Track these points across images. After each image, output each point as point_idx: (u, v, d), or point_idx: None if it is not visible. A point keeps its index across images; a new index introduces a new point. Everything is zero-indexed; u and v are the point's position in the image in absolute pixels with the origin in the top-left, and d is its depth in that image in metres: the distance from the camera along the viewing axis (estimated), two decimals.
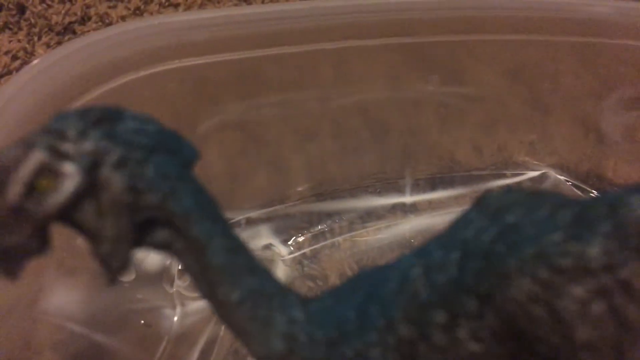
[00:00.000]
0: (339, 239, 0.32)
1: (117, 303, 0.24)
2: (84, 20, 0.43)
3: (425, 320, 0.14)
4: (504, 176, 0.34)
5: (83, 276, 0.23)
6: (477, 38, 0.34)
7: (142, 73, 0.24)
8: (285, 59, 0.32)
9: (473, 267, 0.14)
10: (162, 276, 0.27)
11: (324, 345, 0.15)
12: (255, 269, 0.15)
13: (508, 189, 0.15)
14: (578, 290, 0.12)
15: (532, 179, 0.34)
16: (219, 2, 0.46)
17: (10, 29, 0.42)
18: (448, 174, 0.35)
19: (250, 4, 0.47)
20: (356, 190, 0.34)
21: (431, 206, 0.33)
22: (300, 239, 0.31)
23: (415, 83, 0.36)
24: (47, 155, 0.13)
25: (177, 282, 0.27)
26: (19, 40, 0.41)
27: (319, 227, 0.32)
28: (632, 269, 0.12)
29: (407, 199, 0.33)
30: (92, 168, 0.13)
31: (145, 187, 0.14)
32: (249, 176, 0.35)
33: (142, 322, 0.25)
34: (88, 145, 0.13)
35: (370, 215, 0.33)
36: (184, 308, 0.26)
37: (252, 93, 0.33)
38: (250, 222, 0.31)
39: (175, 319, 0.25)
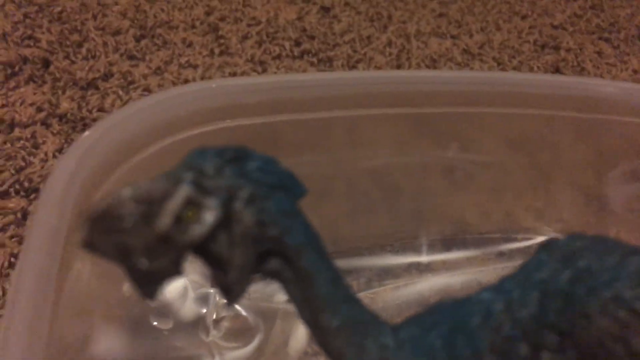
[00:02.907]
0: (360, 295, 0.32)
1: (158, 351, 0.24)
2: (107, 76, 0.45)
3: (510, 351, 0.16)
4: (515, 240, 0.36)
5: (127, 324, 0.23)
6: (481, 110, 0.36)
7: (195, 131, 0.26)
8: (301, 124, 0.33)
9: (554, 306, 0.16)
10: (198, 325, 0.27)
11: None
12: (352, 299, 0.17)
13: (573, 235, 0.17)
14: None
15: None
16: (235, 66, 0.48)
17: (35, 81, 0.43)
18: (460, 236, 0.36)
19: (264, 68, 0.49)
20: (373, 248, 0.35)
21: (445, 266, 0.35)
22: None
23: (423, 149, 0.38)
24: (193, 190, 0.14)
25: (213, 331, 0.27)
26: (43, 93, 0.42)
27: None
28: None
29: (424, 258, 0.35)
30: (227, 202, 0.15)
31: (268, 221, 0.15)
32: None
33: None
34: (224, 181, 0.15)
35: (387, 274, 0.34)
36: (222, 357, 0.26)
37: (270, 154, 0.35)
38: None
39: None
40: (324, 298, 0.16)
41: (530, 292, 0.16)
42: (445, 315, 0.18)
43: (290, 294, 0.17)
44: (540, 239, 0.36)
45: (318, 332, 0.17)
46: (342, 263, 0.34)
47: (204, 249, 0.15)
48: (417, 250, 0.35)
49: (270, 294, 0.30)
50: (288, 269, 0.16)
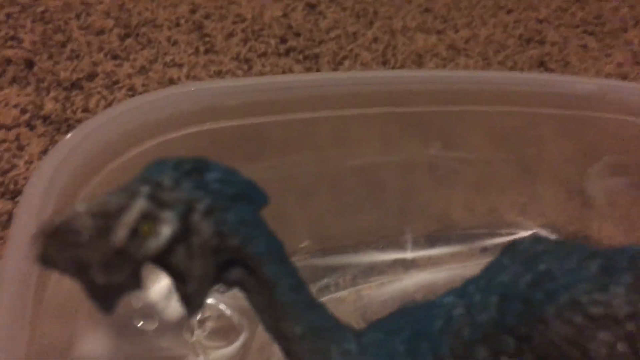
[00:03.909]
0: (344, 292, 0.33)
1: (142, 350, 0.25)
2: (91, 77, 0.44)
3: (470, 355, 0.16)
4: (498, 235, 0.36)
5: (111, 326, 0.23)
6: (466, 109, 0.37)
7: (176, 134, 0.26)
8: (288, 125, 0.34)
9: (512, 310, 0.16)
10: (182, 326, 0.27)
11: None
12: (314, 305, 0.17)
13: (536, 238, 0.18)
14: (607, 336, 0.15)
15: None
16: (221, 64, 0.48)
17: (18, 83, 0.43)
18: (445, 232, 0.37)
19: (250, 66, 0.49)
20: (359, 245, 0.35)
21: (430, 262, 0.35)
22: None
23: (409, 147, 0.38)
24: (149, 203, 0.14)
25: (197, 331, 0.27)
26: (27, 94, 0.42)
27: (325, 280, 0.34)
28: None
29: (408, 255, 0.35)
30: (185, 215, 0.15)
31: (228, 232, 0.15)
32: None
33: None
34: (182, 194, 0.15)
35: (372, 270, 0.34)
36: (207, 357, 0.27)
37: (255, 156, 0.35)
38: None
39: None
40: (287, 305, 0.16)
41: (491, 296, 0.16)
42: (408, 319, 0.18)
43: (252, 303, 0.17)
44: (523, 234, 0.37)
45: (281, 340, 0.17)
46: (327, 260, 0.35)
47: (163, 261, 0.15)
48: (401, 246, 0.35)
49: None
50: (250, 278, 0.16)
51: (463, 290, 0.18)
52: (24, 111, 0.40)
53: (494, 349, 0.16)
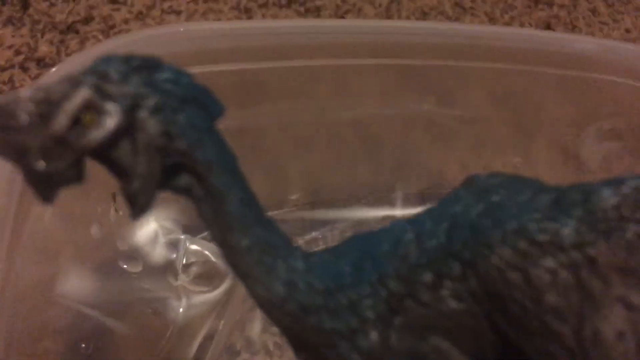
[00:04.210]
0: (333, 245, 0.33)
1: (126, 291, 0.25)
2: (87, 20, 0.44)
3: (414, 279, 0.16)
4: None
5: (95, 265, 0.24)
6: (468, 64, 0.36)
7: None
8: (286, 73, 0.33)
9: (460, 236, 0.16)
10: (166, 269, 0.28)
11: (321, 294, 0.17)
12: (265, 221, 0.17)
13: (493, 172, 0.17)
14: (550, 262, 0.15)
15: None
16: (220, 12, 0.47)
17: (13, 24, 0.42)
18: (436, 190, 0.36)
19: (250, 16, 0.48)
20: (349, 200, 0.35)
21: None
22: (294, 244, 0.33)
23: (407, 102, 0.37)
24: (92, 93, 0.14)
25: (182, 275, 0.28)
26: (22, 36, 0.41)
27: (312, 234, 0.34)
28: (598, 248, 0.14)
29: (398, 212, 0.35)
30: (131, 110, 0.14)
31: (176, 133, 0.15)
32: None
33: (150, 310, 0.25)
34: (129, 88, 0.14)
35: (361, 225, 0.34)
36: (189, 300, 0.27)
37: (252, 102, 0.35)
38: None
39: (181, 310, 0.26)
40: (235, 217, 0.16)
41: (441, 224, 0.16)
42: (359, 244, 0.18)
43: (200, 212, 0.16)
44: None
45: (227, 251, 0.17)
46: (317, 214, 0.35)
47: (107, 156, 0.15)
48: (392, 203, 0.35)
49: None
50: (199, 187, 0.16)
51: (415, 218, 0.18)
52: (18, 53, 0.40)
53: (438, 273, 0.16)
